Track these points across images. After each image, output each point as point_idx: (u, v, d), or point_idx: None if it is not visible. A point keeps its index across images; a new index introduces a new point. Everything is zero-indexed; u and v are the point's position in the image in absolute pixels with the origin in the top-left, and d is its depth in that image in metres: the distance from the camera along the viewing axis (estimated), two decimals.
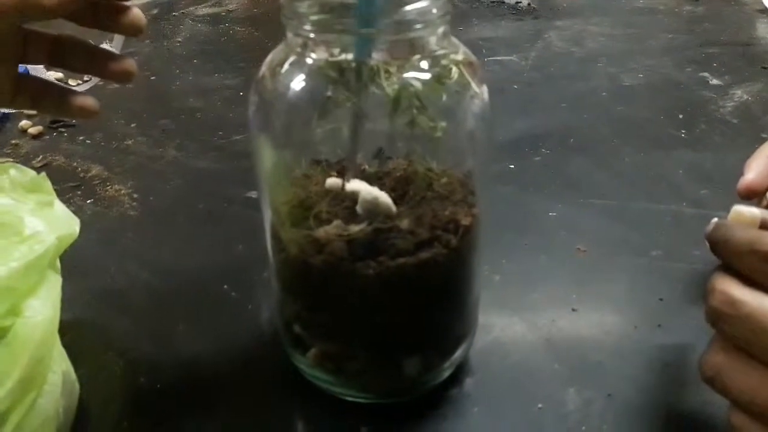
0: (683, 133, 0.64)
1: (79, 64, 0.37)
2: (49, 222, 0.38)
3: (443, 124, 0.30)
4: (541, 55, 0.85)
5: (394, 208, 0.30)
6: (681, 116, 0.67)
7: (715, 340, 0.28)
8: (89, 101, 0.38)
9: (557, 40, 0.90)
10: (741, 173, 0.37)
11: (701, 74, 0.77)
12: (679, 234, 0.48)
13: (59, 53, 0.37)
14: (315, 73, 0.29)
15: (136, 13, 0.35)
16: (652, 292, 0.42)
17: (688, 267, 0.45)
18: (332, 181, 0.31)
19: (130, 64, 0.37)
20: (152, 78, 0.83)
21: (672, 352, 0.38)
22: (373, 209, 0.30)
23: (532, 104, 0.71)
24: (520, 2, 1.06)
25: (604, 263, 0.46)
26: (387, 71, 0.27)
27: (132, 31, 0.35)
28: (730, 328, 0.26)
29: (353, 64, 0.28)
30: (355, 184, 0.31)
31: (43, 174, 0.41)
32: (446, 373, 0.35)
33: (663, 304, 0.41)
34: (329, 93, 0.28)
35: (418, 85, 0.28)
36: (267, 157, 0.32)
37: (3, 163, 0.41)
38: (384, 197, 0.30)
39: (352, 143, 0.30)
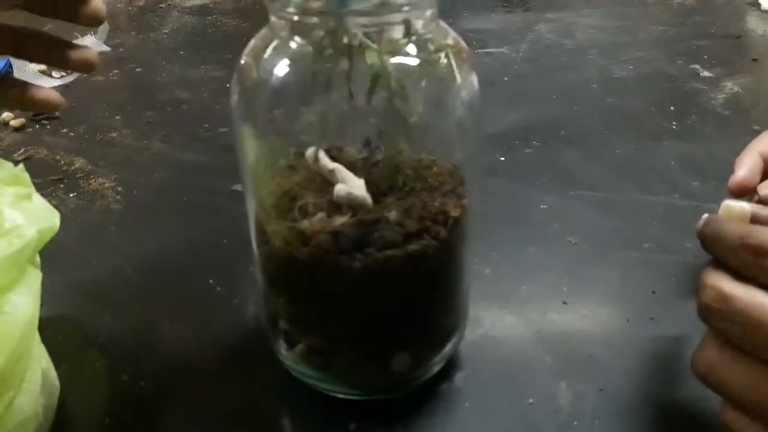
0: (674, 124, 0.63)
1: (40, 55, 0.36)
2: (28, 215, 0.37)
3: (419, 108, 0.29)
4: (532, 47, 0.85)
5: (369, 201, 0.30)
6: (672, 108, 0.66)
7: (707, 336, 0.27)
8: (52, 95, 0.38)
9: (548, 32, 0.90)
10: (732, 166, 0.37)
11: (692, 66, 0.77)
12: (671, 226, 0.48)
13: (19, 45, 0.36)
14: (299, 58, 0.28)
15: (95, 5, 0.34)
16: (645, 284, 0.42)
17: (680, 259, 0.44)
18: (311, 152, 0.30)
19: (91, 54, 0.36)
20: (138, 70, 0.82)
21: (665, 345, 0.37)
22: (349, 203, 0.30)
23: (523, 96, 0.70)
24: None
25: (595, 256, 0.45)
26: (371, 51, 0.27)
27: (93, 22, 0.35)
28: (722, 324, 0.26)
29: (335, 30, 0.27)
30: (332, 165, 0.30)
31: (21, 166, 0.39)
32: (436, 368, 0.35)
33: (656, 297, 0.41)
34: (314, 70, 0.27)
35: (399, 67, 0.27)
36: (250, 147, 0.32)
37: None
38: (359, 190, 0.30)
39: (334, 121, 0.29)
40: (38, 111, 0.44)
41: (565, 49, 0.84)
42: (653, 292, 0.41)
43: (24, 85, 0.37)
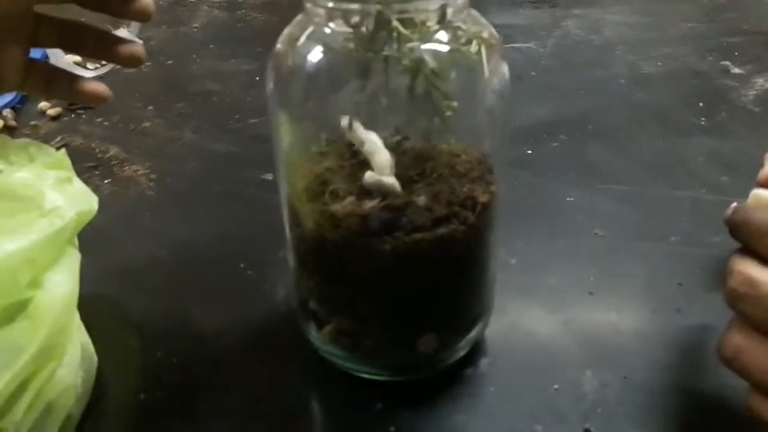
0: (703, 120, 0.63)
1: (89, 49, 0.38)
2: (68, 198, 0.39)
3: (455, 104, 0.30)
4: (559, 42, 0.84)
5: (398, 187, 0.30)
6: (701, 104, 0.66)
7: (734, 321, 0.27)
8: (100, 87, 0.39)
9: (575, 28, 0.89)
10: (762, 161, 0.36)
11: (722, 63, 0.76)
12: (698, 220, 0.48)
13: (69, 38, 0.37)
14: (333, 44, 0.29)
15: (145, 1, 0.35)
16: (671, 276, 0.42)
17: (707, 252, 0.44)
18: (345, 121, 0.31)
19: (138, 49, 0.38)
20: (169, 63, 0.83)
21: (690, 335, 0.37)
22: (379, 188, 0.30)
23: (550, 91, 0.71)
24: None
25: (622, 248, 0.45)
26: (407, 38, 0.27)
27: (141, 18, 0.36)
28: (748, 309, 0.26)
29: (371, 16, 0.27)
30: (364, 132, 0.30)
31: (63, 151, 0.41)
32: (461, 353, 0.35)
33: (682, 289, 0.41)
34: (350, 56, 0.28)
35: (435, 57, 0.28)
36: (285, 132, 0.32)
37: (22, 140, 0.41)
38: (388, 179, 0.30)
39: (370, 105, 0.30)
40: (86, 103, 0.45)
41: (593, 45, 0.83)
42: (679, 284, 0.41)
43: (73, 77, 0.38)
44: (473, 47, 0.30)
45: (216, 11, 1.03)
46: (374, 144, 0.30)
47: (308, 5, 0.29)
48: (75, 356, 0.33)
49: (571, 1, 1.00)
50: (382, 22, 0.27)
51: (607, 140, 0.60)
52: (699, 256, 0.44)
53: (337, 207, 0.30)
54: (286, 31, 0.31)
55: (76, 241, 0.39)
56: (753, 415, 0.26)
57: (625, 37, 0.85)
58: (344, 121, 0.31)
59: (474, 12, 0.31)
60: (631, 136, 0.61)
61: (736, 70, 0.74)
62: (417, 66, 0.28)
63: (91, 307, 0.39)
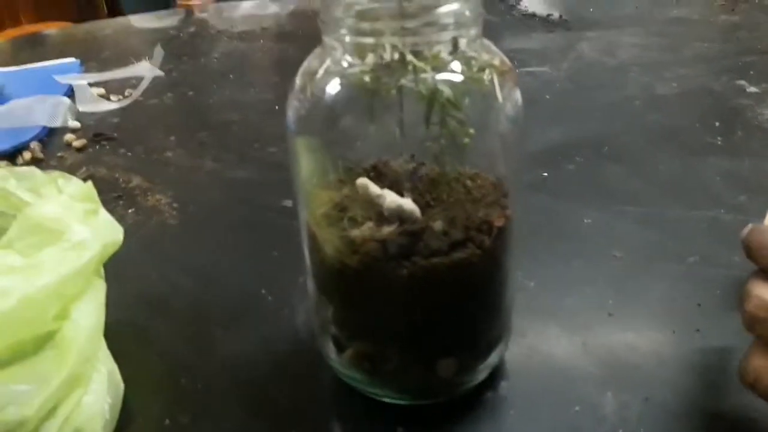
0: (719, 140, 0.63)
1: None
2: (95, 230, 0.40)
3: (471, 130, 0.30)
4: (573, 65, 0.85)
5: (418, 213, 0.31)
6: (717, 124, 0.66)
7: (754, 344, 0.27)
8: None
9: (589, 50, 0.90)
10: None
11: (738, 82, 0.76)
12: (716, 240, 0.48)
13: None
14: (350, 77, 0.30)
15: None
16: (690, 297, 0.42)
17: (726, 273, 0.44)
18: (361, 181, 0.32)
19: None
20: (190, 93, 0.85)
21: (711, 356, 0.37)
22: (399, 215, 0.31)
23: (565, 114, 0.71)
24: (552, 14, 1.06)
25: (640, 269, 0.45)
26: (422, 69, 0.28)
27: None
28: (766, 332, 0.26)
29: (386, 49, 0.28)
30: (380, 191, 0.31)
31: (89, 183, 0.42)
32: (481, 376, 0.35)
33: (701, 309, 0.41)
34: (366, 88, 0.29)
35: (449, 87, 0.29)
36: (304, 161, 0.33)
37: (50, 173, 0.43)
38: (408, 204, 0.31)
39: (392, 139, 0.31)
40: None
41: (607, 67, 0.84)
42: (699, 305, 0.41)
43: None
44: (486, 75, 0.30)
45: (235, 42, 1.05)
46: (389, 196, 0.31)
47: (325, 39, 0.30)
48: (102, 383, 0.34)
49: (585, 24, 1.01)
50: (396, 55, 0.28)
51: (623, 162, 0.60)
52: (718, 276, 0.44)
53: (355, 233, 0.31)
54: (305, 63, 0.32)
55: (102, 270, 0.41)
56: None
57: (640, 59, 0.86)
58: (359, 181, 0.32)
59: (486, 41, 0.32)
60: (647, 157, 0.61)
61: (752, 89, 0.74)
62: (432, 95, 0.29)
63: (117, 334, 0.39)
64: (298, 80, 0.32)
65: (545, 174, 0.58)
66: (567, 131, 0.66)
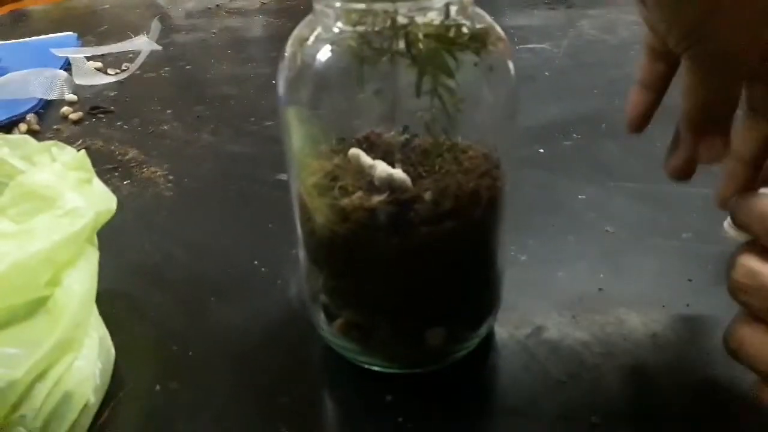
0: None
1: None
2: (88, 198, 0.40)
3: (461, 98, 0.30)
4: (574, 43, 0.85)
5: (409, 183, 0.31)
6: None
7: (738, 312, 0.28)
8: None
9: (590, 28, 0.90)
10: None
11: None
12: (710, 217, 0.47)
13: None
14: (341, 43, 0.30)
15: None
16: (682, 272, 0.42)
17: (718, 249, 0.44)
18: (354, 152, 0.32)
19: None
20: (187, 67, 0.85)
21: (699, 329, 0.37)
22: (390, 184, 0.31)
23: (564, 91, 0.71)
24: None
25: (632, 244, 0.45)
26: (415, 36, 0.28)
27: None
28: (750, 299, 0.26)
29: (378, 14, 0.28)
30: (372, 161, 0.31)
31: (83, 152, 0.42)
32: (470, 346, 0.36)
33: (692, 285, 0.41)
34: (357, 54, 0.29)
35: (441, 54, 0.29)
36: (295, 131, 0.33)
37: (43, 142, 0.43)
38: (399, 173, 0.31)
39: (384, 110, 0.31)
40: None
41: (608, 45, 0.83)
42: (690, 280, 0.41)
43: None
44: (478, 44, 0.30)
45: (233, 17, 1.05)
46: (384, 168, 0.31)
47: (316, 6, 0.30)
48: (93, 349, 0.35)
49: (586, 2, 1.01)
50: (388, 21, 0.28)
51: (620, 139, 0.60)
52: (710, 252, 0.44)
53: (346, 201, 0.31)
54: (296, 32, 0.32)
55: (95, 239, 0.41)
56: (761, 405, 0.27)
57: (640, 37, 0.85)
58: (351, 152, 0.32)
59: (479, 10, 0.31)
60: (644, 134, 0.60)
61: None
62: (423, 63, 0.29)
63: (109, 302, 0.40)
64: (288, 48, 0.32)
65: (541, 150, 0.58)
66: (565, 108, 0.66)
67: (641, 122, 0.37)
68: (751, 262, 0.26)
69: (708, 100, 0.30)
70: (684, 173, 0.35)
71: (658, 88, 0.37)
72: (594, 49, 0.82)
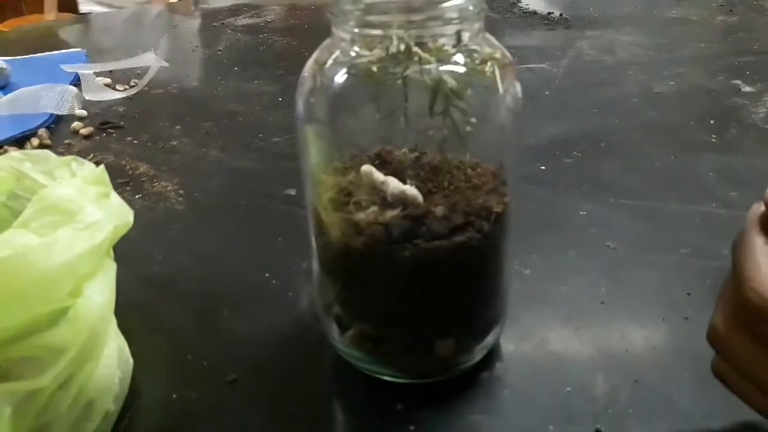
0: (714, 137, 0.64)
1: None
2: (106, 212, 0.41)
3: (473, 120, 0.32)
4: (573, 63, 0.87)
5: (420, 198, 0.32)
6: (712, 122, 0.68)
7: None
8: None
9: (589, 48, 0.92)
10: None
11: (733, 82, 0.78)
12: (708, 233, 0.49)
13: None
14: (358, 67, 0.31)
15: None
16: (681, 287, 0.43)
17: (716, 264, 0.45)
18: (366, 168, 0.33)
19: None
20: (195, 84, 0.86)
21: (698, 342, 0.39)
22: (402, 200, 0.32)
23: (564, 110, 0.73)
24: (552, 13, 1.08)
25: (633, 260, 0.47)
26: (426, 61, 0.29)
27: None
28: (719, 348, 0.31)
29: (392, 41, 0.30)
30: (384, 177, 0.33)
31: (102, 167, 0.44)
32: (478, 357, 0.37)
33: (691, 298, 0.42)
34: (373, 78, 0.30)
35: (453, 78, 0.30)
36: (312, 147, 0.35)
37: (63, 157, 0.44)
38: (411, 189, 0.32)
39: (394, 130, 0.32)
40: None
41: (606, 65, 0.85)
42: (688, 294, 0.43)
43: None
44: (488, 68, 0.32)
45: (239, 35, 1.07)
46: (392, 182, 0.32)
47: (335, 31, 0.32)
48: (112, 358, 0.36)
49: (585, 23, 1.03)
50: (402, 47, 0.29)
51: (620, 157, 0.61)
52: (708, 267, 0.45)
53: (360, 216, 0.32)
54: (315, 54, 0.34)
55: (112, 252, 0.42)
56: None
57: (638, 58, 0.87)
58: (364, 168, 0.33)
59: (488, 35, 0.33)
60: (643, 152, 0.62)
61: (747, 89, 0.75)
62: (436, 86, 0.30)
63: (126, 313, 0.41)
64: (307, 70, 0.34)
65: (543, 167, 0.60)
66: (565, 126, 0.68)
67: None
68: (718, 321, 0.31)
69: None
70: None
71: None
72: (592, 69, 0.84)
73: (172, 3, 1.35)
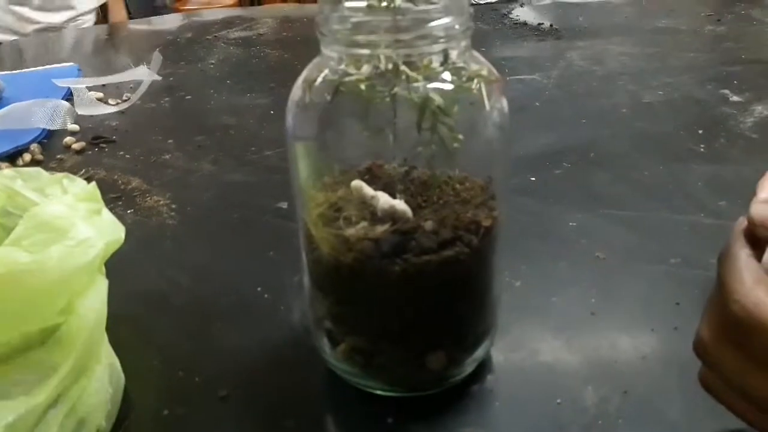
0: (702, 147, 0.65)
1: None
2: (98, 228, 0.41)
3: (460, 136, 0.32)
4: (563, 74, 0.87)
5: (410, 213, 0.33)
6: (700, 131, 0.68)
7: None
8: None
9: (579, 59, 0.92)
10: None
11: (722, 91, 0.79)
12: (697, 243, 0.50)
13: None
14: (347, 85, 0.31)
15: None
16: (670, 297, 0.44)
17: (705, 274, 0.46)
18: (356, 183, 0.33)
19: None
20: (187, 98, 0.87)
21: (687, 352, 0.39)
22: (392, 215, 0.33)
23: (554, 121, 0.73)
24: (543, 24, 1.09)
25: (622, 270, 0.47)
26: (414, 79, 0.30)
27: None
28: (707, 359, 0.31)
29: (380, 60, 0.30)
30: (374, 192, 0.33)
31: (93, 183, 0.44)
32: (468, 369, 0.37)
33: (680, 308, 0.43)
34: (361, 95, 0.31)
35: (440, 95, 0.31)
36: (302, 164, 0.35)
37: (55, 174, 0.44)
38: (400, 204, 0.33)
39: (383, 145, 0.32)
40: None
41: (596, 76, 0.86)
42: (677, 304, 0.43)
43: None
44: (475, 85, 0.32)
45: (232, 48, 1.07)
46: (386, 199, 0.33)
47: (324, 50, 0.32)
48: (104, 375, 0.36)
49: (575, 34, 1.04)
50: (390, 66, 0.30)
51: (609, 167, 0.62)
52: (697, 277, 0.46)
53: (350, 231, 0.33)
54: (305, 72, 0.34)
55: (103, 268, 0.42)
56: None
57: (627, 68, 0.88)
58: (354, 183, 0.33)
59: (475, 52, 0.33)
60: (633, 163, 0.63)
61: (735, 98, 0.76)
62: (424, 103, 0.31)
63: (118, 328, 0.41)
64: (297, 88, 0.34)
65: (533, 178, 0.60)
66: (555, 137, 0.68)
67: None
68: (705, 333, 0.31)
69: None
70: None
71: None
72: (583, 80, 0.85)
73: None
